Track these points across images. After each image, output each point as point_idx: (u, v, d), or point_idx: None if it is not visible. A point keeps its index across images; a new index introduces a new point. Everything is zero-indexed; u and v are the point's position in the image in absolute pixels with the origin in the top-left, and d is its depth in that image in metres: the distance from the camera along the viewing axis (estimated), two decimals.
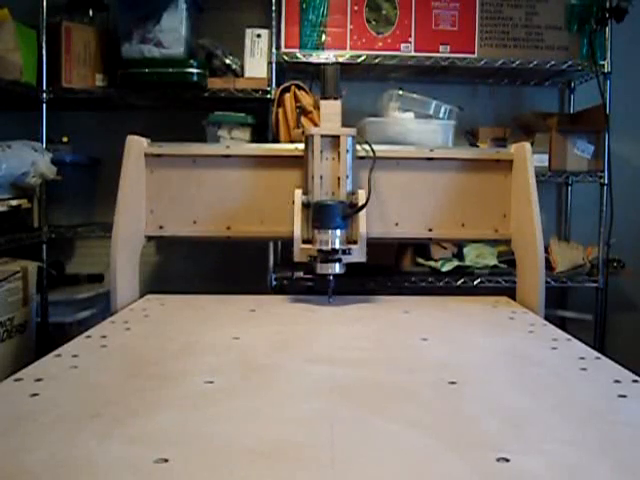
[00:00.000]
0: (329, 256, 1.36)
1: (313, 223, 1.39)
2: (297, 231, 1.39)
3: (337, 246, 1.35)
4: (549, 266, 2.05)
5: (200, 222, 1.52)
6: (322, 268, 1.37)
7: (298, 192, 1.43)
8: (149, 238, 1.52)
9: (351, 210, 1.40)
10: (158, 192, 1.51)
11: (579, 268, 2.12)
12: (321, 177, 1.42)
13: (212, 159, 1.52)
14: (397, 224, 1.53)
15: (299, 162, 1.49)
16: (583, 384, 0.84)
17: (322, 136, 1.42)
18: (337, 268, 1.37)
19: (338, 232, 1.36)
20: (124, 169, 1.43)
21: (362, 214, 1.40)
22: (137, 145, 1.47)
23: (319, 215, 1.37)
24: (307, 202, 1.42)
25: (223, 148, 1.55)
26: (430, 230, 1.53)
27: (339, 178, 1.42)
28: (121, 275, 1.37)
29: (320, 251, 1.36)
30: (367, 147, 1.48)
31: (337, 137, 1.42)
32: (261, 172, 1.52)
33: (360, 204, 1.40)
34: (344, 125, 1.45)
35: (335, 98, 1.44)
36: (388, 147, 1.55)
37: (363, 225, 1.40)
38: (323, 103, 1.44)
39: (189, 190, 1.51)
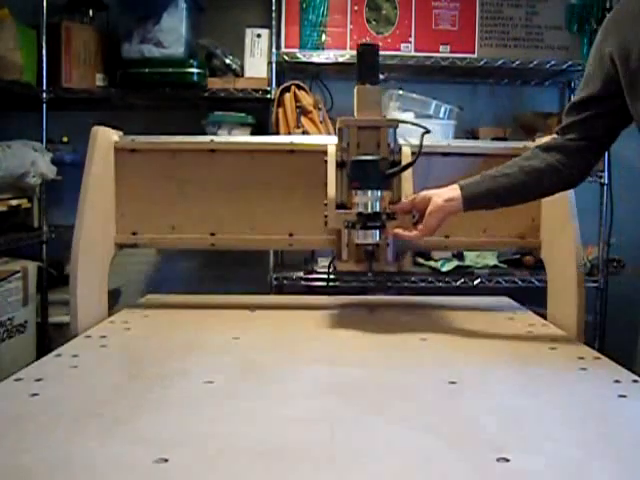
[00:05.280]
0: (370, 222, 1.11)
1: (351, 183, 1.14)
2: (331, 191, 1.16)
3: (379, 209, 1.11)
4: None
5: (179, 228, 1.29)
6: (362, 236, 1.12)
7: (332, 148, 1.19)
8: (120, 246, 1.30)
9: (396, 168, 1.15)
10: (130, 193, 1.29)
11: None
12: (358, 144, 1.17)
13: (195, 154, 1.31)
14: None
15: (295, 158, 1.30)
16: (583, 384, 0.84)
17: (359, 128, 1.17)
18: (378, 236, 1.12)
19: (380, 193, 1.11)
20: (88, 166, 1.20)
21: (408, 174, 1.16)
22: (105, 137, 1.25)
23: (358, 172, 1.12)
24: (341, 160, 1.18)
25: (207, 142, 1.33)
26: (447, 237, 1.29)
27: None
28: (84, 292, 1.14)
29: (360, 215, 1.11)
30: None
31: (377, 128, 1.17)
32: (252, 170, 1.31)
33: (405, 163, 1.16)
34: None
35: (372, 83, 1.18)
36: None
37: (409, 189, 1.16)
38: (359, 88, 1.19)
39: (167, 190, 1.30)
